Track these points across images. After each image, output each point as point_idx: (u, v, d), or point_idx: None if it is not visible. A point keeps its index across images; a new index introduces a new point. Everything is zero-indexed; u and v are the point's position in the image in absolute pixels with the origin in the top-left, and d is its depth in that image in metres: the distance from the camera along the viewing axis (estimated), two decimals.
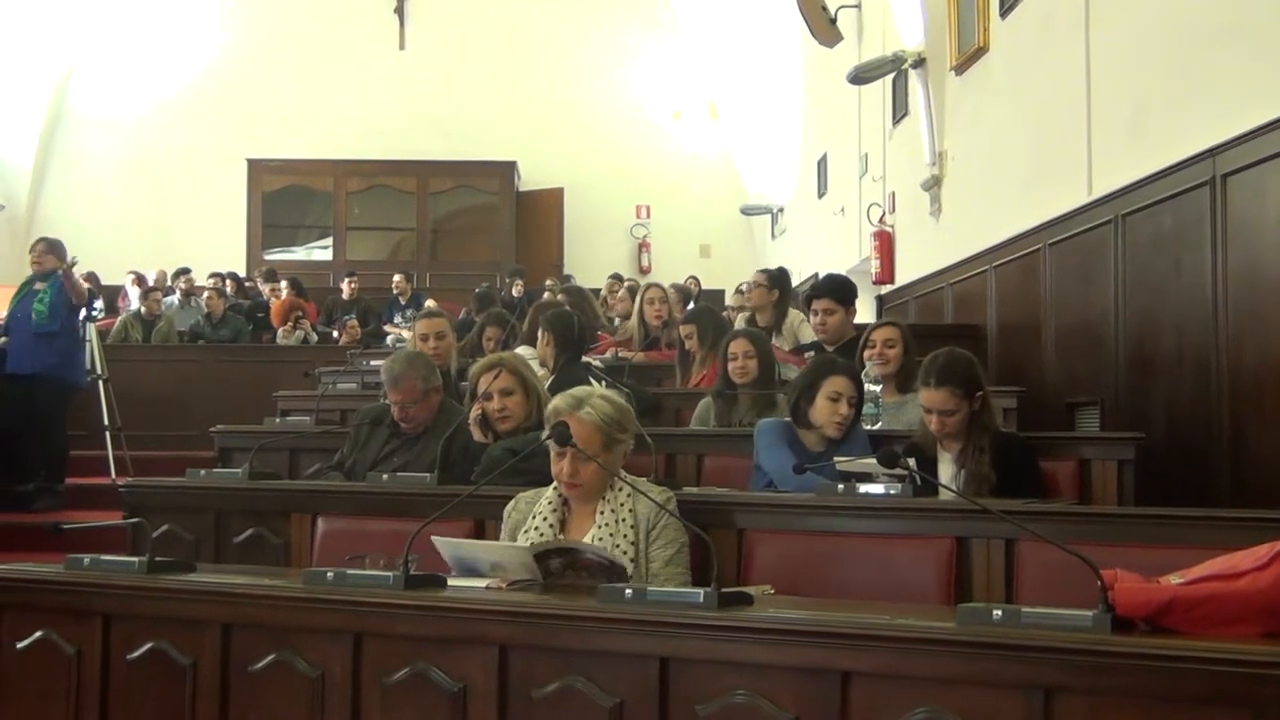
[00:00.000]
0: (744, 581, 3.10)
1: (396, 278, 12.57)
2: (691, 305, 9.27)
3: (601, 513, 3.02)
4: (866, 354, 4.68)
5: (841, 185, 11.92)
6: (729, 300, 11.38)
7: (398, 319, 11.85)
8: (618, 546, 2.94)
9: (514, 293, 11.65)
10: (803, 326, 6.38)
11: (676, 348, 6.21)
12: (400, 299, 12.23)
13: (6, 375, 7.51)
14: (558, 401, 3.07)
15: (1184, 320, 4.92)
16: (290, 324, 11.22)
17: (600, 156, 16.52)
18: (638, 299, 7.03)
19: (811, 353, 5.29)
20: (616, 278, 12.56)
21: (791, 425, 4.05)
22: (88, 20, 16.00)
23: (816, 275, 12.52)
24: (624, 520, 3.00)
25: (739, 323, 6.53)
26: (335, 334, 11.56)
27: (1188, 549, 2.53)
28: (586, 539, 2.97)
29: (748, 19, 14.54)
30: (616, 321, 8.46)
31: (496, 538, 3.20)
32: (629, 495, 3.03)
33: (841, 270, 10.06)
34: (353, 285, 12.43)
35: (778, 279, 6.56)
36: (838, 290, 5.47)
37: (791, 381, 4.31)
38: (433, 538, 2.83)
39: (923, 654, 2.02)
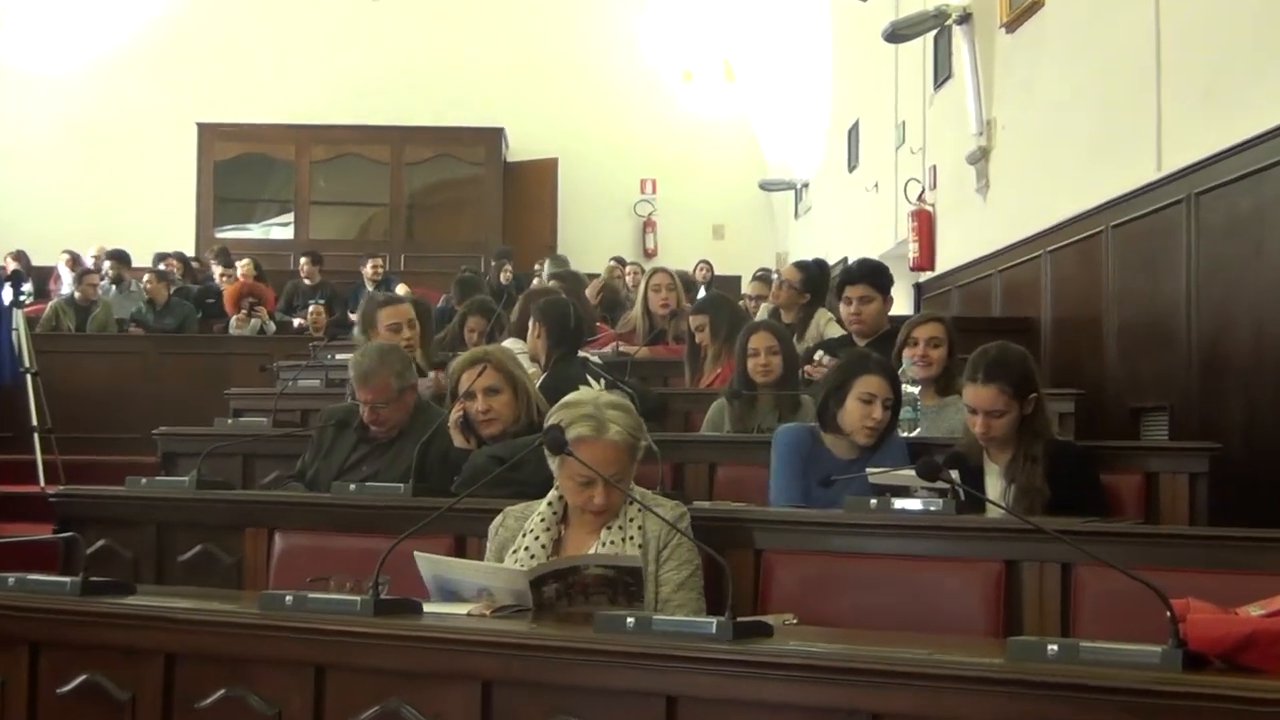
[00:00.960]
0: (762, 609, 3.10)
1: (371, 264, 12.51)
2: (702, 294, 9.27)
3: (608, 528, 3.02)
4: (907, 352, 4.66)
5: (875, 158, 11.91)
6: (745, 288, 11.35)
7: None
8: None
9: (501, 278, 11.64)
10: (830, 326, 6.37)
11: (685, 341, 6.21)
12: (370, 285, 12.23)
13: None
14: (577, 428, 3.01)
15: (1264, 314, 4.91)
16: (245, 312, 11.21)
17: (600, 123, 16.52)
18: (641, 286, 7.03)
19: (821, 353, 5.28)
20: (619, 261, 12.54)
21: (815, 432, 4.05)
22: None
23: (846, 260, 12.58)
24: (631, 539, 3.00)
25: (759, 314, 6.51)
26: (297, 322, 11.55)
27: (1269, 576, 2.52)
28: None
29: None
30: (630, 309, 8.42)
31: (480, 557, 3.20)
32: (639, 510, 3.03)
33: (874, 255, 10.03)
34: (317, 268, 12.42)
35: (813, 282, 6.42)
36: (874, 275, 5.46)
37: (819, 380, 4.31)
38: (415, 554, 2.82)
39: (966, 694, 2.01)
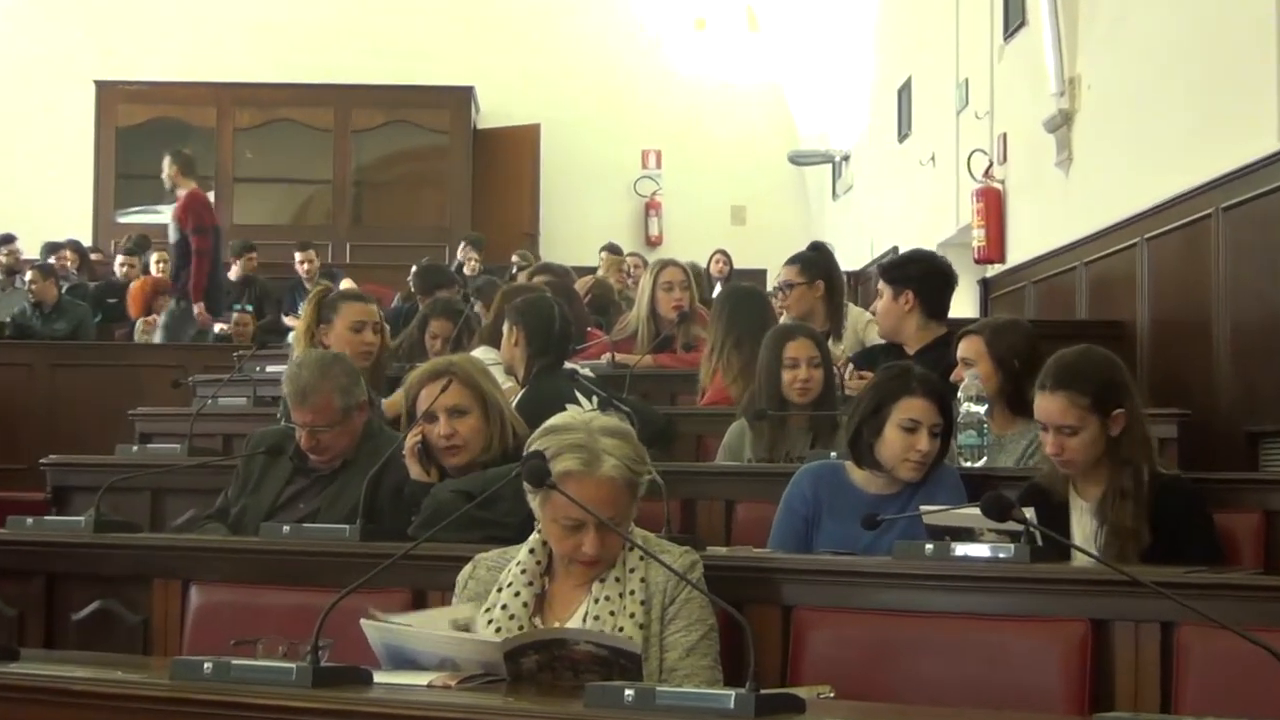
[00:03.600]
0: (792, 679, 3.09)
1: (301, 257, 12.50)
2: (719, 289, 9.26)
3: (601, 581, 3.01)
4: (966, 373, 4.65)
5: (931, 124, 11.91)
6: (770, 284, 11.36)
7: (304, 309, 11.80)
8: (621, 629, 2.93)
9: (468, 270, 11.63)
10: (870, 329, 6.37)
11: (698, 350, 6.21)
12: (307, 282, 12.22)
13: None
14: (567, 460, 2.98)
15: None
16: (154, 314, 11.21)
17: (593, 81, 16.55)
18: (645, 282, 7.01)
19: (851, 367, 5.29)
20: (613, 249, 12.51)
21: (837, 469, 4.06)
22: None
23: (895, 251, 12.60)
24: (631, 594, 2.99)
25: (783, 319, 6.50)
26: (218, 327, 11.56)
27: None
28: (575, 621, 2.97)
29: None
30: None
31: None
32: (640, 559, 3.02)
33: (931, 244, 10.05)
34: (251, 260, 12.40)
35: (814, 264, 6.34)
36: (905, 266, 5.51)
37: (850, 402, 4.30)
38: (362, 621, 2.81)
39: None
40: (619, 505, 2.99)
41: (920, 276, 5.48)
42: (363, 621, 2.81)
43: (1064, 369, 3.76)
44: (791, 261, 6.37)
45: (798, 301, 6.26)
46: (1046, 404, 3.75)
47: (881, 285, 5.53)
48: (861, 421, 3.98)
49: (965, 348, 4.74)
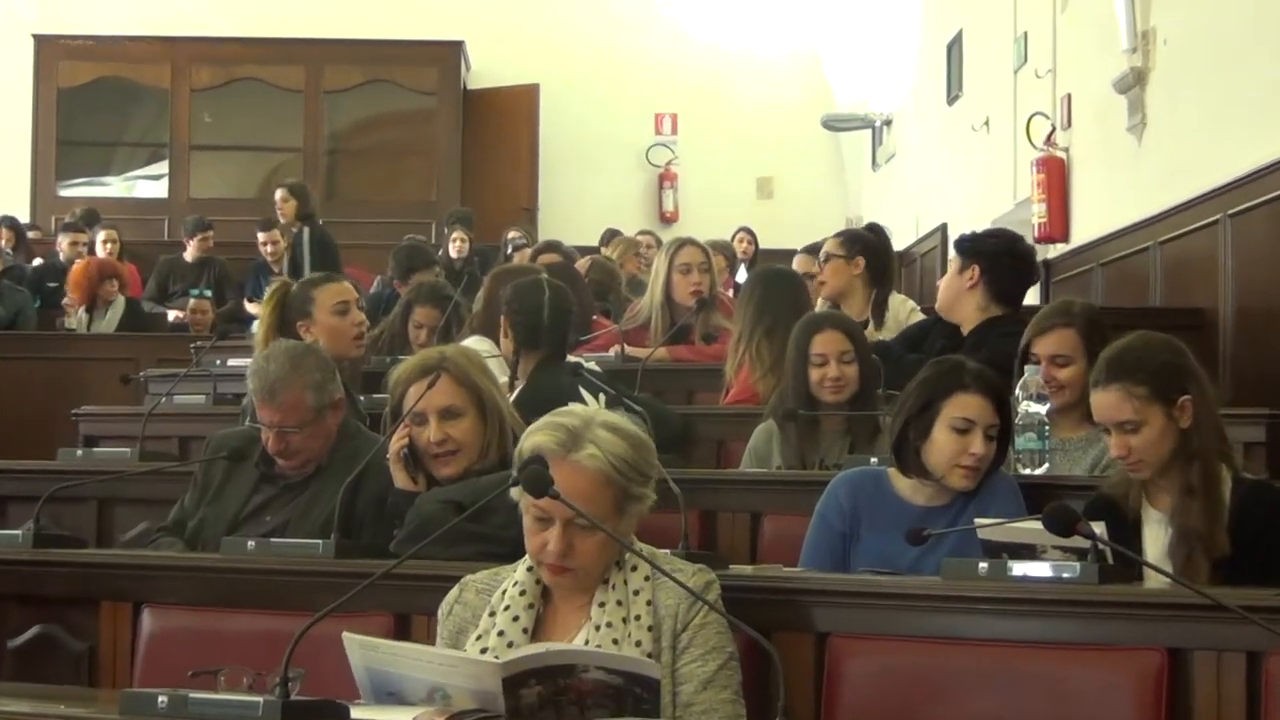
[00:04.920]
0: (827, 716, 3.10)
1: (264, 237, 12.49)
2: (743, 276, 9.24)
3: (601, 604, 3.02)
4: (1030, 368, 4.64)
5: (985, 85, 11.89)
6: (796, 265, 11.32)
7: (263, 311, 11.78)
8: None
9: (454, 252, 11.63)
10: (914, 316, 6.37)
11: (719, 341, 6.22)
12: (272, 263, 12.23)
13: None
14: (538, 436, 3.03)
15: None
16: (101, 301, 11.20)
17: (597, 36, 16.54)
18: (660, 263, 7.01)
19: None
20: (614, 234, 12.44)
21: (878, 477, 4.06)
22: None
23: (944, 229, 12.59)
24: (637, 618, 3.00)
25: (818, 305, 6.52)
26: (173, 315, 11.57)
27: None
28: (577, 645, 2.97)
29: None
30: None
31: (430, 643, 3.20)
32: (646, 579, 3.03)
33: (984, 221, 10.03)
34: (206, 240, 12.41)
35: (858, 239, 6.44)
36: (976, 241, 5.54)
37: (896, 400, 4.29)
38: (344, 635, 2.80)
39: None
40: (594, 503, 2.97)
41: (991, 253, 5.49)
42: (345, 635, 2.80)
43: (1115, 360, 3.76)
44: (838, 234, 6.53)
45: (833, 276, 6.31)
46: (1101, 401, 3.76)
47: (952, 256, 5.54)
48: (907, 421, 3.97)
49: (1057, 343, 4.66)
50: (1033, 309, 5.36)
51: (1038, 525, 3.27)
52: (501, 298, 5.56)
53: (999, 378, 4.17)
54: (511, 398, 4.83)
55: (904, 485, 4.02)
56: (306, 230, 10.87)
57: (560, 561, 2.99)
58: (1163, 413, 3.72)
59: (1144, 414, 3.71)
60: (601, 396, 5.07)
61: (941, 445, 3.93)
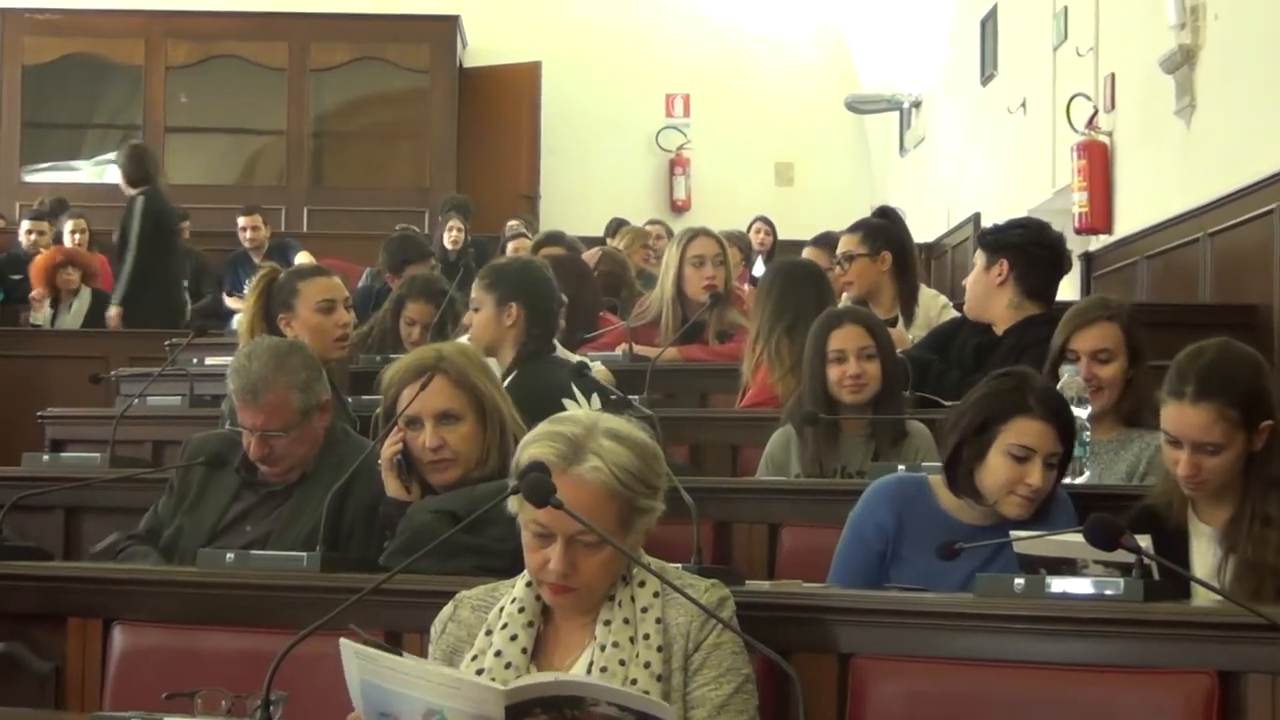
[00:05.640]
0: None
1: (245, 222, 12.52)
2: (760, 269, 9.23)
3: (607, 623, 3.01)
4: (1067, 368, 4.62)
5: (1022, 63, 11.88)
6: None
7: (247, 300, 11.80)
8: (634, 682, 2.92)
9: (450, 242, 11.63)
10: (945, 312, 6.36)
11: (734, 339, 6.21)
12: (253, 254, 12.25)
13: None
14: (535, 447, 3.01)
15: None
16: (63, 293, 11.20)
17: (604, 9, 16.53)
18: (671, 256, 7.00)
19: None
20: (621, 224, 12.42)
21: (921, 486, 4.03)
22: None
23: (978, 218, 12.58)
24: (646, 638, 2.99)
25: (843, 303, 6.51)
26: None
27: None
28: (579, 669, 2.97)
29: None
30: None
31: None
32: (656, 595, 3.03)
33: (1021, 210, 10.01)
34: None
35: (881, 232, 6.37)
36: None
37: (948, 414, 4.24)
38: (342, 642, 2.79)
39: None
40: (597, 518, 2.95)
41: (1020, 245, 5.49)
42: (343, 641, 2.79)
43: (1209, 374, 3.72)
44: (853, 229, 6.39)
45: (859, 277, 6.27)
46: (1186, 417, 3.71)
47: (977, 253, 5.55)
48: (963, 439, 3.91)
49: (1100, 337, 4.64)
50: (1064, 305, 5.34)
51: (1078, 538, 3.27)
52: (498, 285, 5.54)
53: (1065, 401, 4.08)
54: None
55: (950, 499, 3.97)
56: (141, 199, 10.62)
57: (563, 581, 2.98)
58: (1245, 437, 3.72)
59: (1230, 439, 3.70)
60: (593, 397, 5.07)
61: (996, 471, 3.85)
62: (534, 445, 3.02)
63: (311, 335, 5.24)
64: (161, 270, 10.44)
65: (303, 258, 11.22)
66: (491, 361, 4.97)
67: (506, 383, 5.00)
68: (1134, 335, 4.67)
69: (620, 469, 2.99)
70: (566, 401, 4.95)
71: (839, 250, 6.42)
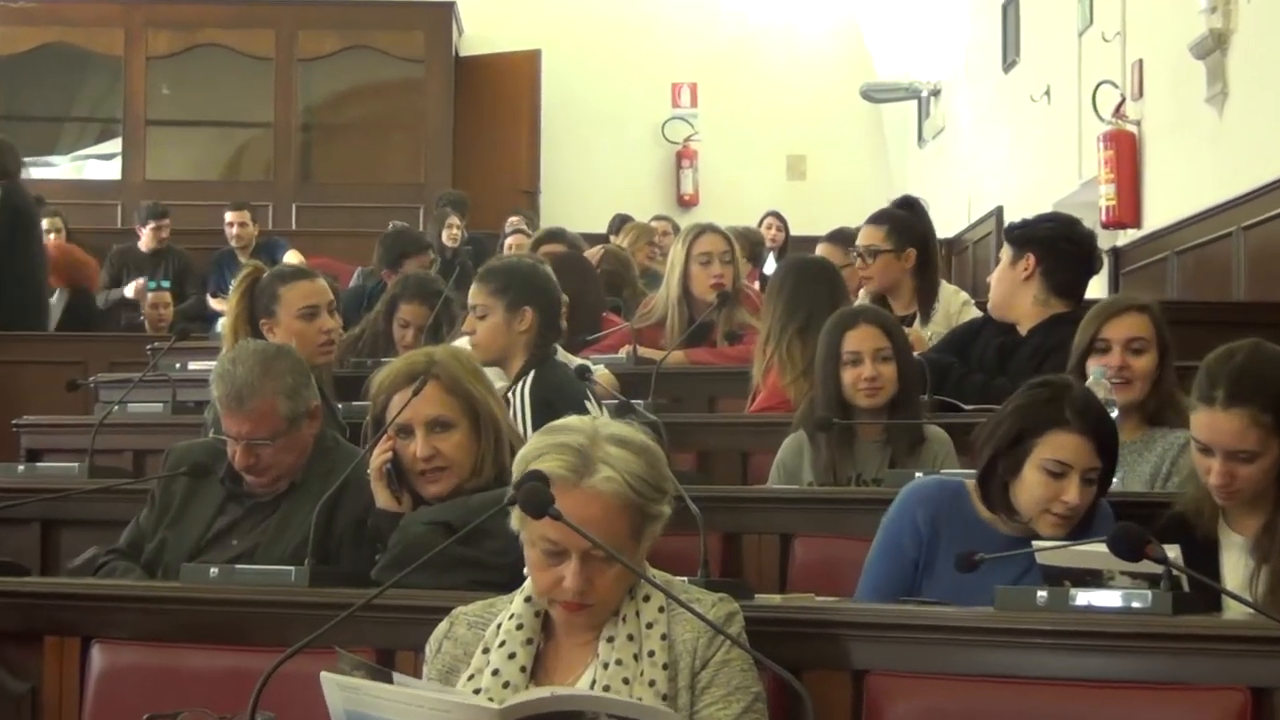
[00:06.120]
0: None
1: (232, 218, 12.52)
2: (771, 267, 9.23)
3: (610, 640, 3.01)
4: (1094, 361, 4.63)
5: (1046, 49, 11.89)
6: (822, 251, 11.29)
7: (230, 301, 11.80)
8: (640, 700, 2.91)
9: (446, 240, 11.64)
10: (966, 310, 6.36)
11: (743, 341, 6.21)
12: (239, 252, 12.26)
13: None
14: (543, 461, 3.00)
15: None
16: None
17: None
18: (677, 253, 7.00)
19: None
20: (625, 220, 12.43)
21: (959, 492, 4.01)
22: None
23: (1000, 212, 12.58)
24: (651, 654, 2.99)
25: (860, 298, 6.52)
26: (131, 291, 11.58)
27: None
28: (581, 687, 2.96)
29: None
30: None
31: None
32: (661, 610, 3.03)
33: (1045, 203, 10.02)
34: (161, 229, 12.43)
35: (907, 227, 6.38)
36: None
37: (981, 425, 4.21)
38: (323, 675, 2.80)
39: None
40: (612, 531, 2.97)
41: (1047, 239, 5.50)
42: (323, 675, 2.80)
43: (1240, 377, 3.71)
44: (877, 221, 6.38)
45: (882, 273, 6.28)
46: (1218, 423, 3.71)
47: (1004, 248, 5.57)
48: (997, 452, 3.88)
49: (1134, 326, 4.65)
50: (1091, 304, 5.34)
51: (1103, 548, 3.26)
52: (508, 288, 5.55)
53: (1105, 412, 4.04)
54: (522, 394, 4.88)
55: (988, 516, 3.93)
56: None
57: (579, 599, 2.98)
58: (1278, 445, 3.71)
59: (1265, 445, 3.70)
60: (596, 405, 5.08)
61: (1031, 486, 3.82)
62: (539, 460, 3.00)
63: (294, 342, 5.23)
64: (21, 267, 10.32)
65: (291, 257, 11.23)
66: (493, 371, 4.98)
67: (525, 385, 5.01)
68: (1163, 331, 4.68)
69: (633, 476, 3.00)
70: (589, 404, 4.99)
71: (860, 242, 6.41)
